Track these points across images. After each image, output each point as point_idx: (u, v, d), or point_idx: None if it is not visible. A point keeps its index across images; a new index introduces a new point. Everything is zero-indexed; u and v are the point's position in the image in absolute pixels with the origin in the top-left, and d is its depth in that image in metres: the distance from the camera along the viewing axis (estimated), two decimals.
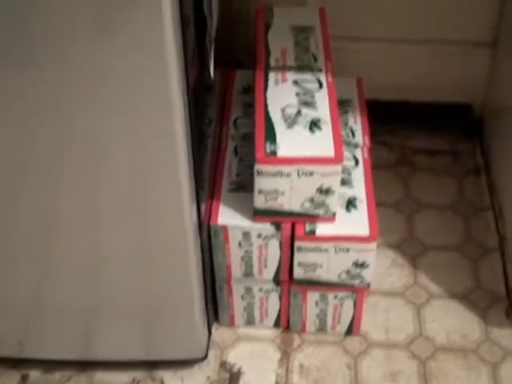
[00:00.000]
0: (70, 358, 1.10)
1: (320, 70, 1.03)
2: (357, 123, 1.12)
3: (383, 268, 1.22)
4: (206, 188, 1.02)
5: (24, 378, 1.10)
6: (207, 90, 1.12)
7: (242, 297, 1.10)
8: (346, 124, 1.12)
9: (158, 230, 0.92)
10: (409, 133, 1.43)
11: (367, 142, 1.10)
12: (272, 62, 1.05)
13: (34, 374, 1.10)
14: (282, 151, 0.93)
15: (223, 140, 1.11)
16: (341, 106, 1.10)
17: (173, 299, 1.01)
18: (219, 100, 1.16)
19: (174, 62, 0.76)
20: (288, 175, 0.93)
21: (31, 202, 0.90)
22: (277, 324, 1.14)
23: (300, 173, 0.93)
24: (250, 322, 1.14)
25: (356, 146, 1.09)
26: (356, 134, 1.10)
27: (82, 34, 0.74)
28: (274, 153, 0.93)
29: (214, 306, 1.13)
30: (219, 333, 1.15)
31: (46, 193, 0.89)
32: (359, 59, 1.32)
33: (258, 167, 0.93)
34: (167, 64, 0.76)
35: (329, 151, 0.93)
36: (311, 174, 0.93)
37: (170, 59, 0.76)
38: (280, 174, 0.93)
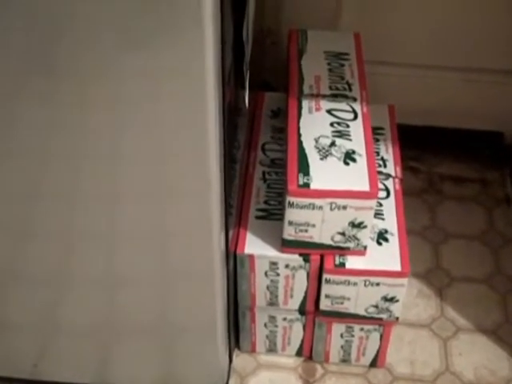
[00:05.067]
0: (86, 381, 1.08)
1: (355, 100, 1.01)
2: (388, 153, 1.10)
3: (409, 298, 1.19)
4: (233, 214, 1.00)
5: None
6: (237, 112, 1.11)
7: (265, 325, 1.08)
8: (378, 153, 1.09)
9: (185, 256, 0.91)
10: (437, 159, 1.41)
11: (399, 173, 1.08)
12: (306, 89, 1.03)
13: None
14: (316, 184, 0.91)
15: (251, 165, 1.09)
16: (372, 133, 1.08)
17: (195, 326, 0.99)
18: (248, 123, 1.15)
19: (211, 82, 0.74)
20: (320, 208, 0.92)
21: (48, 218, 0.88)
22: (299, 353, 1.12)
23: (333, 206, 0.91)
24: (271, 349, 1.12)
25: (387, 176, 1.07)
26: (387, 164, 1.08)
27: (117, 52, 0.72)
28: (307, 185, 0.91)
29: (236, 333, 1.11)
30: (240, 359, 1.13)
31: (64, 210, 0.87)
32: (390, 83, 1.30)
33: (289, 199, 0.92)
34: (205, 83, 0.74)
35: (364, 185, 0.91)
36: (344, 207, 0.91)
37: (208, 79, 0.73)
38: (312, 206, 0.92)
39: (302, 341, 1.10)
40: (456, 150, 1.41)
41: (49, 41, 0.72)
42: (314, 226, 0.94)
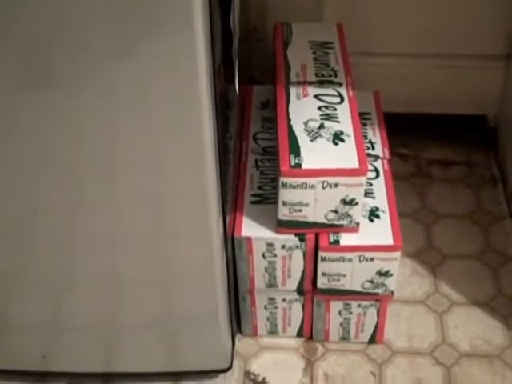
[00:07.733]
0: (94, 370, 1.11)
1: (340, 85, 1.06)
2: (376, 136, 1.15)
3: (403, 277, 1.23)
4: (229, 201, 1.04)
5: None
6: (228, 104, 1.14)
7: (265, 307, 1.12)
8: (366, 137, 1.14)
9: (185, 244, 0.94)
10: (424, 145, 1.46)
11: (387, 154, 1.12)
12: (293, 77, 1.07)
13: None
14: (307, 163, 0.95)
15: (244, 154, 1.13)
16: (359, 118, 1.12)
17: (198, 311, 1.02)
18: (238, 115, 1.18)
19: (203, 76, 0.78)
20: (313, 187, 0.95)
21: (51, 221, 0.91)
22: (300, 333, 1.16)
23: (325, 184, 0.95)
24: (272, 331, 1.16)
25: (376, 158, 1.11)
26: (375, 146, 1.13)
27: (109, 48, 0.75)
28: (298, 165, 0.95)
29: (237, 317, 1.14)
30: (242, 343, 1.16)
31: (65, 213, 0.90)
32: (374, 73, 1.34)
33: (282, 179, 0.95)
34: (198, 78, 0.78)
35: (353, 163, 0.95)
36: (336, 185, 0.95)
37: (200, 74, 0.77)
38: (305, 185, 0.95)
39: (302, 321, 1.13)
40: (442, 134, 1.46)
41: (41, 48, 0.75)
42: (307, 205, 0.98)
